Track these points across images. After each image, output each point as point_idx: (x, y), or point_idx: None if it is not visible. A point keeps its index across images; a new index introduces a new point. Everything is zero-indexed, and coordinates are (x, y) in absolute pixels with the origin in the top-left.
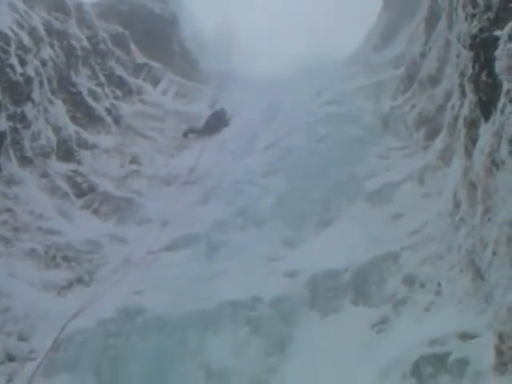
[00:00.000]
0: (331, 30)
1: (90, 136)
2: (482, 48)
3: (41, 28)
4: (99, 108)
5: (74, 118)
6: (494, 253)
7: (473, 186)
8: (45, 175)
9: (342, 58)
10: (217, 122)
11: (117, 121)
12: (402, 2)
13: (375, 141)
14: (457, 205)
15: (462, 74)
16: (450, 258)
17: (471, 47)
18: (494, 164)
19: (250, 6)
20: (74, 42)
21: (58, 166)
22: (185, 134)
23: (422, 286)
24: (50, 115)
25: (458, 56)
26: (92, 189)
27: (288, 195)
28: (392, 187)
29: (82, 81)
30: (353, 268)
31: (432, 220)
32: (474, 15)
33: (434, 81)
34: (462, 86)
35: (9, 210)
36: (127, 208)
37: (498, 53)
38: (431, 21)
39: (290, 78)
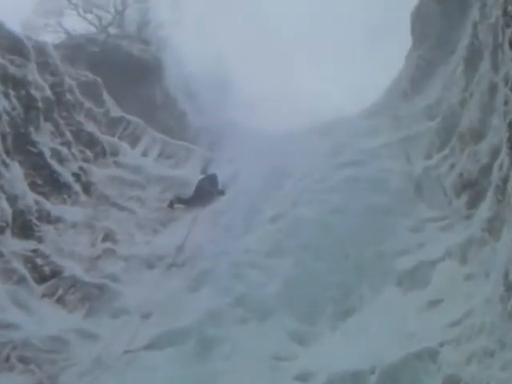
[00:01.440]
0: (348, 75)
1: (53, 207)
2: None
3: None
4: (65, 172)
5: (33, 185)
6: None
7: None
8: None
9: (363, 108)
10: (210, 189)
11: (87, 188)
12: (435, 39)
13: (405, 210)
14: (509, 288)
15: (511, 125)
16: (502, 354)
17: None
18: None
19: (251, 47)
20: (33, 92)
21: (13, 244)
22: (170, 205)
23: None
24: (5, 181)
25: (505, 103)
26: (56, 273)
27: (298, 280)
28: (427, 267)
29: (44, 139)
30: (380, 369)
31: (478, 307)
32: None
33: (477, 134)
34: (511, 140)
35: None
36: (99, 297)
37: None
38: (472, 61)
39: (299, 133)
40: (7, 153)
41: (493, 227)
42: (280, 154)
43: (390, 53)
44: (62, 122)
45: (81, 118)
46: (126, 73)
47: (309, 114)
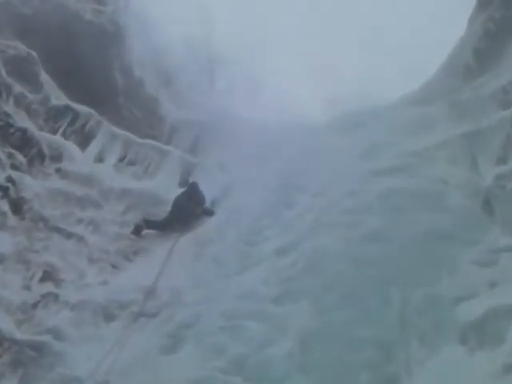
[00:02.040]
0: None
1: None
2: None
3: None
4: None
5: None
6: None
7: None
8: None
9: (410, 92)
10: (192, 208)
11: (17, 207)
12: None
13: (471, 236)
14: None
15: None
16: None
17: None
18: None
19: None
20: None
21: None
22: (137, 231)
23: None
24: None
25: None
26: None
27: (317, 336)
28: (502, 317)
29: None
30: None
31: None
32: None
33: None
34: None
35: None
36: (37, 360)
37: None
38: None
39: (318, 127)
40: None
41: None
42: (291, 157)
43: (446, 14)
44: None
45: (8, 107)
46: (73, 44)
47: (333, 100)
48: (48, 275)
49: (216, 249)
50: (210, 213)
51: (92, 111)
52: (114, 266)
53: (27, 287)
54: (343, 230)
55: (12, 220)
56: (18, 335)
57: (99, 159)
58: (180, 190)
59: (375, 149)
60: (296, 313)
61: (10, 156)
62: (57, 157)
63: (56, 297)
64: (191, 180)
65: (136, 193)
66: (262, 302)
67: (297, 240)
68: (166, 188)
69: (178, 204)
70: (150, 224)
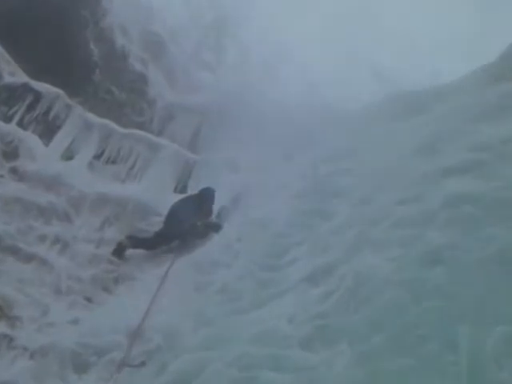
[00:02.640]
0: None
1: None
2: None
3: None
4: None
5: None
6: None
7: None
8: None
9: (480, 68)
10: (193, 220)
11: None
12: None
13: None
14: None
15: None
16: None
17: None
18: None
19: None
20: None
21: None
22: (118, 251)
23: None
24: None
25: None
26: None
27: None
28: None
29: None
30: None
31: None
32: None
33: None
34: None
35: None
36: None
37: None
38: None
39: (360, 113)
40: None
41: None
42: (326, 151)
43: None
44: None
45: None
46: (34, 3)
47: (382, 75)
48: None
49: (225, 275)
50: (216, 227)
51: (59, 91)
52: (88, 299)
53: None
54: (395, 248)
55: None
56: None
57: (68, 156)
58: (176, 197)
59: (439, 141)
60: (332, 360)
61: None
62: (11, 153)
63: (10, 340)
64: (192, 185)
65: (118, 201)
66: (286, 346)
67: (333, 262)
68: (158, 194)
69: (174, 216)
70: (136, 242)
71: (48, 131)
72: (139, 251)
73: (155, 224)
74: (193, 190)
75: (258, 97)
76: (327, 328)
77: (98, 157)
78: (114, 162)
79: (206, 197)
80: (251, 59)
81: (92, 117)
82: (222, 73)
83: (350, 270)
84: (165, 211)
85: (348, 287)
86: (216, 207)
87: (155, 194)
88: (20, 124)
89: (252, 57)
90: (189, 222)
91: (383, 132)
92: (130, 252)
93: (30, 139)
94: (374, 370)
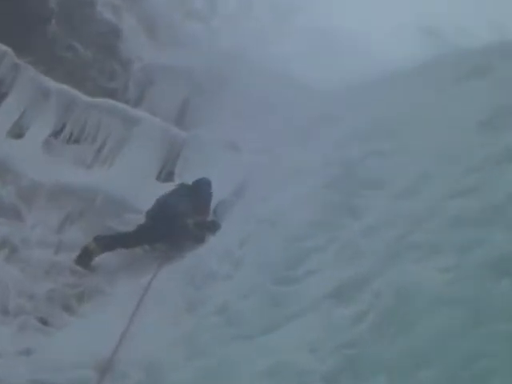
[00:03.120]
0: None
1: None
2: None
3: None
4: None
5: None
6: None
7: None
8: None
9: None
10: (183, 218)
11: None
12: None
13: None
14: None
15: None
16: None
17: None
18: None
19: None
20: None
21: None
22: (84, 258)
23: None
24: None
25: None
26: None
27: None
28: None
29: None
30: None
31: None
32: None
33: None
34: None
35: None
36: None
37: None
38: None
39: (401, 76)
40: None
41: None
42: (358, 128)
43: None
44: None
45: None
46: None
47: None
48: None
49: (224, 291)
50: (212, 227)
51: (4, 48)
52: (43, 322)
53: None
54: (449, 255)
55: None
56: None
57: (17, 133)
58: (160, 186)
59: (505, 113)
60: None
61: None
62: None
63: None
64: (182, 173)
65: (82, 192)
66: (306, 383)
67: (366, 274)
68: (136, 183)
69: (159, 212)
70: (108, 242)
71: None
72: (111, 258)
73: (131, 222)
74: (181, 177)
75: (263, 56)
76: (359, 360)
77: (56, 134)
78: (77, 141)
79: (201, 190)
80: (254, 7)
81: (48, 81)
82: (216, 25)
83: (389, 285)
84: (144, 206)
85: (386, 307)
86: (213, 202)
87: (131, 183)
88: None
89: (255, 4)
90: (179, 221)
91: (431, 102)
92: (99, 259)
93: None
94: None
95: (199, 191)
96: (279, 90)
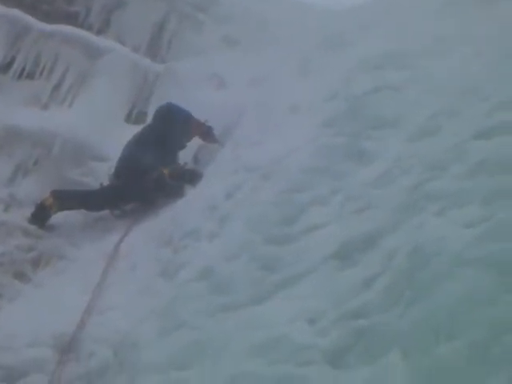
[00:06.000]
0: None
1: None
2: None
3: None
4: None
5: None
6: None
7: None
8: None
9: None
10: (154, 168)
11: None
12: None
13: None
14: None
15: None
16: None
17: None
18: None
19: None
20: None
21: None
22: (39, 216)
23: None
24: None
25: None
26: None
27: None
28: None
29: None
30: None
31: None
32: None
33: None
34: None
35: None
36: None
37: None
38: None
39: None
40: None
41: None
42: (365, 54)
43: None
44: None
45: None
46: None
47: None
48: None
49: (207, 252)
50: (192, 176)
51: None
52: None
53: None
54: (475, 209)
55: None
56: None
57: None
58: (130, 130)
59: None
60: (378, 382)
61: None
62: None
63: None
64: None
65: (37, 137)
66: (306, 362)
67: (377, 231)
68: (100, 126)
69: (129, 158)
70: (68, 200)
71: None
72: (73, 216)
73: (96, 172)
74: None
75: None
76: (368, 332)
77: (4, 68)
78: (30, 77)
79: (166, 120)
80: None
81: None
82: None
83: (404, 242)
84: (111, 153)
85: (399, 269)
86: (192, 146)
87: (95, 125)
88: None
89: None
90: (153, 169)
91: (453, 29)
92: (57, 218)
93: None
94: None
95: (164, 123)
96: (279, 10)
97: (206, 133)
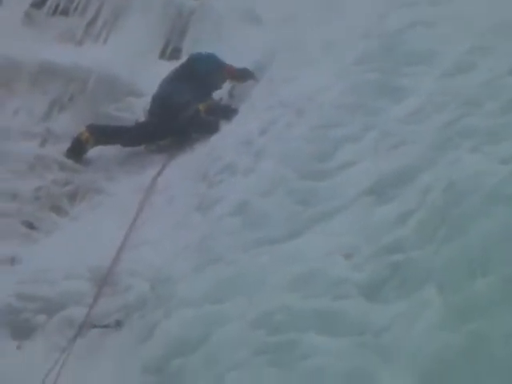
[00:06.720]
0: None
1: None
2: None
3: None
4: None
5: None
6: None
7: None
8: None
9: None
10: (193, 101)
11: None
12: None
13: None
14: None
15: None
16: None
17: None
18: None
19: None
20: None
21: None
22: (76, 150)
23: None
24: None
25: None
26: None
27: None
28: None
29: None
30: None
31: None
32: None
33: None
34: None
35: None
36: None
37: None
38: None
39: None
40: None
41: None
42: None
43: None
44: None
45: None
46: None
47: None
48: None
49: (242, 187)
50: (227, 112)
51: None
52: (29, 226)
53: None
54: (511, 142)
55: None
56: None
57: None
58: (165, 66)
59: None
60: (412, 316)
61: None
62: None
63: None
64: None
65: (72, 73)
66: (342, 296)
67: (411, 166)
68: (135, 62)
69: (165, 97)
70: (104, 135)
71: None
72: (109, 150)
73: (131, 108)
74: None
75: None
76: (403, 267)
77: (38, 5)
78: (64, 13)
79: (198, 67)
80: None
81: None
82: None
83: (438, 179)
84: (145, 89)
85: (435, 205)
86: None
87: (130, 61)
88: None
89: None
90: (188, 106)
91: None
92: (93, 152)
93: None
94: (475, 331)
95: (196, 68)
96: None
97: (239, 77)
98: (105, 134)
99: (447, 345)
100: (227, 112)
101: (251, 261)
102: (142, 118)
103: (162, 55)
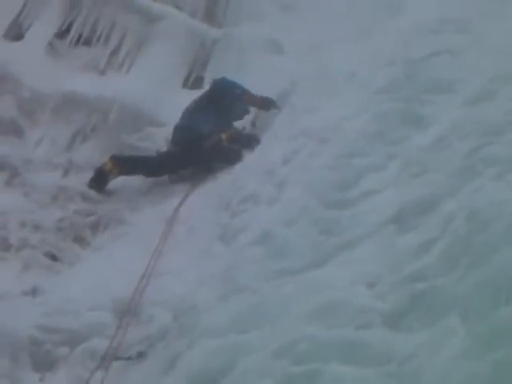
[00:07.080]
0: None
1: None
2: None
3: None
4: None
5: None
6: None
7: None
8: None
9: None
10: (216, 132)
11: None
12: None
13: None
14: None
15: None
16: None
17: None
18: None
19: None
20: None
21: None
22: (98, 181)
23: None
24: None
25: None
26: None
27: None
28: None
29: None
30: None
31: None
32: None
33: None
34: None
35: None
36: None
37: None
38: None
39: None
40: None
41: None
42: (424, 19)
43: None
44: None
45: None
46: None
47: None
48: None
49: (265, 217)
50: (250, 142)
51: None
52: (52, 257)
53: None
54: None
55: None
56: None
57: (15, 33)
58: (187, 95)
59: None
60: (437, 345)
61: None
62: None
63: None
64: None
65: (94, 103)
66: (365, 325)
67: (435, 195)
68: (158, 92)
69: (187, 125)
70: (127, 165)
71: None
72: (131, 180)
73: (153, 138)
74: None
75: None
76: (427, 296)
77: (62, 35)
78: (87, 43)
79: (221, 92)
80: None
81: None
82: None
83: (461, 207)
84: (168, 118)
85: (458, 233)
86: (251, 112)
87: (153, 90)
88: None
89: None
90: (211, 136)
91: None
92: (116, 182)
93: None
94: (500, 359)
95: (219, 95)
96: None
97: (261, 104)
98: (128, 164)
99: (472, 373)
100: (250, 141)
101: (275, 290)
102: (163, 148)
103: (185, 84)
